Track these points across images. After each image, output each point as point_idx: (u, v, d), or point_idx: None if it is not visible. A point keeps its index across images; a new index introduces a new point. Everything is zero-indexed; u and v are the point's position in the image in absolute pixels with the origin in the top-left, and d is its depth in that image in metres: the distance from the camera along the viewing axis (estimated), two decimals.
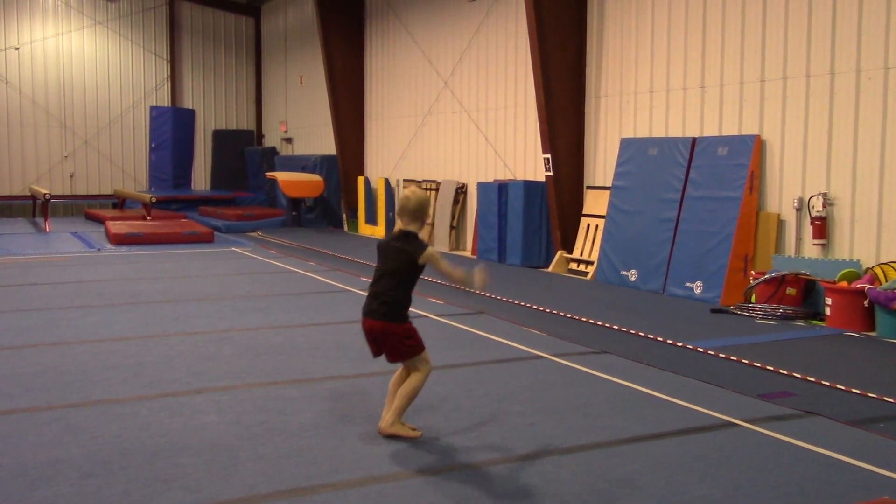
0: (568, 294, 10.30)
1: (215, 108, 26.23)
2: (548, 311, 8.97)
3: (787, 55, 9.32)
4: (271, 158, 23.70)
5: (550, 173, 12.33)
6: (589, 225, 12.16)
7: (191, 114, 24.96)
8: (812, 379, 6.10)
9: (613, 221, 11.28)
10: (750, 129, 9.78)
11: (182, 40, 25.63)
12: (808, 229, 9.01)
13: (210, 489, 3.95)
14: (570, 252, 12.39)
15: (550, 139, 12.20)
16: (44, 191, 19.08)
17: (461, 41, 15.62)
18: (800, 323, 8.38)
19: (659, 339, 7.53)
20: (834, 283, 8.24)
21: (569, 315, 8.71)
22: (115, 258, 13.50)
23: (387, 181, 17.42)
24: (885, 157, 8.32)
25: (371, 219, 18.18)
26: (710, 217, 9.79)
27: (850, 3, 8.61)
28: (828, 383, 5.99)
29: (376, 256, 4.87)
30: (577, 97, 12.40)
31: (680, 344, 7.30)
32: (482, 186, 13.71)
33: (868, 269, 8.23)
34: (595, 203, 12.13)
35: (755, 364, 6.55)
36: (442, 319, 8.29)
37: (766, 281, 8.72)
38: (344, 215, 19.95)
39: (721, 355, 6.86)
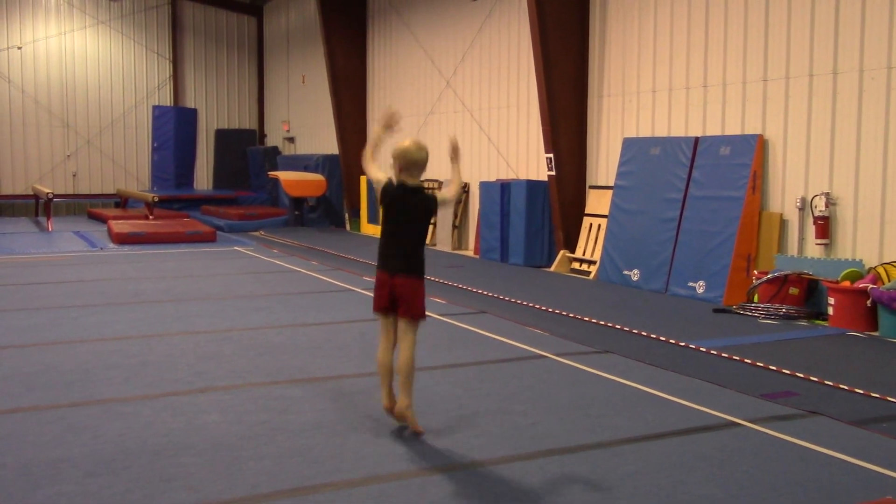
0: (570, 293, 10.29)
1: (218, 107, 26.24)
2: (550, 310, 8.96)
3: (789, 54, 9.30)
4: (273, 158, 23.71)
5: (553, 173, 12.32)
6: (591, 224, 12.15)
7: (193, 113, 24.98)
8: (815, 379, 6.09)
9: (616, 221, 11.27)
10: (752, 128, 9.77)
11: (184, 40, 25.65)
12: (811, 229, 9.00)
13: (212, 488, 3.95)
14: (573, 251, 12.39)
15: (553, 139, 12.20)
16: (46, 190, 19.09)
17: (464, 41, 15.61)
18: (802, 323, 8.37)
19: (661, 338, 7.52)
20: (837, 282, 8.23)
21: (571, 314, 8.70)
22: (117, 257, 13.51)
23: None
24: (887, 157, 8.31)
25: (373, 218, 18.17)
26: (713, 217, 9.78)
27: (853, 2, 8.59)
28: (831, 383, 5.99)
29: (388, 212, 4.86)
30: (580, 96, 12.39)
31: (682, 343, 7.29)
32: (484, 186, 13.71)
33: (871, 268, 8.21)
34: (597, 202, 12.13)
35: (758, 364, 6.54)
36: (444, 319, 8.29)
37: (768, 281, 8.71)
38: (346, 215, 19.96)
39: (724, 355, 6.85)
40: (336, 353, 6.80)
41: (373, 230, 18.08)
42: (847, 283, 8.11)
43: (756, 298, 8.94)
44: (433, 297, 9.38)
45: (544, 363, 6.56)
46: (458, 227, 15.57)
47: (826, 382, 6.01)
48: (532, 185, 12.79)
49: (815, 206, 8.92)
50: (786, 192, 9.39)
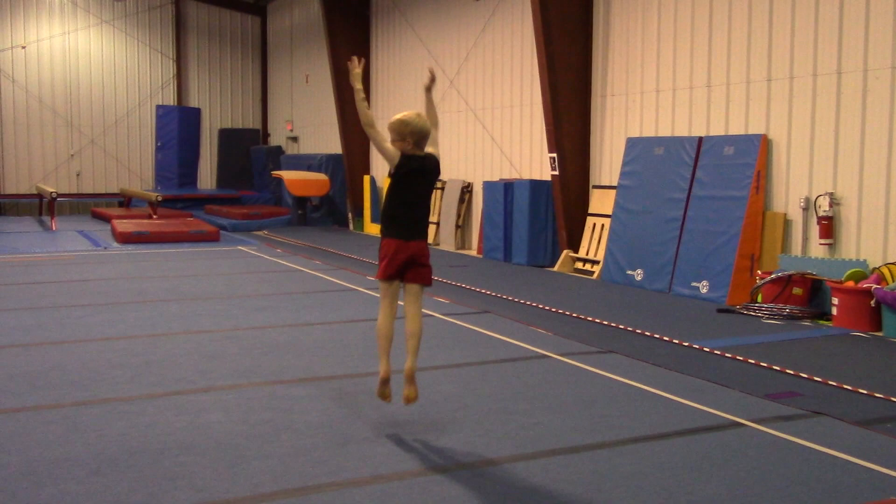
0: (573, 293, 10.29)
1: (221, 106, 26.25)
2: (553, 310, 8.96)
3: (793, 54, 9.29)
4: (277, 157, 23.72)
5: (556, 172, 12.32)
6: (595, 224, 12.14)
7: (197, 112, 25.00)
8: (819, 379, 6.09)
9: (619, 221, 11.27)
10: (756, 128, 9.76)
11: (188, 39, 25.66)
12: (815, 229, 8.99)
13: (216, 488, 3.95)
14: (576, 251, 12.38)
15: (556, 138, 12.19)
16: (50, 189, 19.13)
17: (467, 40, 15.61)
18: (806, 323, 8.36)
19: (665, 338, 7.52)
20: (840, 282, 8.22)
21: (574, 314, 8.70)
22: (121, 257, 13.53)
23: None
24: (892, 157, 8.29)
25: (377, 218, 18.19)
26: (717, 216, 9.77)
27: (857, 1, 8.58)
28: (834, 383, 5.98)
29: (402, 181, 4.86)
30: (583, 96, 12.38)
31: (686, 343, 7.28)
32: (488, 185, 13.70)
33: (875, 268, 8.20)
34: (601, 202, 12.12)
35: (761, 364, 6.53)
36: (448, 318, 8.29)
37: (772, 280, 8.70)
38: (350, 214, 19.96)
39: (727, 355, 6.85)
40: (340, 353, 6.80)
41: (376, 230, 18.08)
42: (851, 284, 8.10)
43: (760, 298, 8.93)
44: (436, 297, 9.39)
45: (547, 363, 6.56)
46: (462, 226, 15.57)
47: (830, 383, 6.00)
48: (535, 185, 12.79)
49: (819, 206, 8.91)
50: (789, 192, 9.38)
